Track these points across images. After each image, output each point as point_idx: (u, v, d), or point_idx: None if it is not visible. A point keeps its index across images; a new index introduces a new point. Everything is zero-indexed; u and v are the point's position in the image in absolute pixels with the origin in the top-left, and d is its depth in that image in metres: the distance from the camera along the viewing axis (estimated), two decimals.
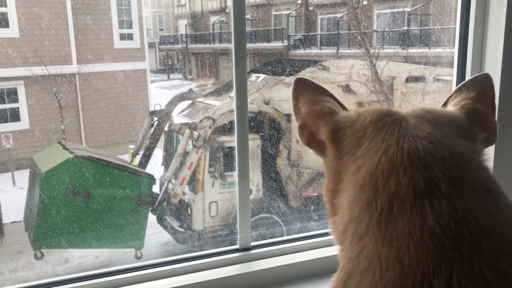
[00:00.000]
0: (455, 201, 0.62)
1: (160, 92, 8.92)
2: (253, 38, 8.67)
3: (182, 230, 6.05)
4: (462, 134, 0.73)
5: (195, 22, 10.18)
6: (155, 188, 5.79)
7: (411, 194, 0.63)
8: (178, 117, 6.42)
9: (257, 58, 8.44)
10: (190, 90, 6.96)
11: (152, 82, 8.54)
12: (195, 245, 5.98)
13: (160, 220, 6.13)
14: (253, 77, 6.69)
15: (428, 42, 7.60)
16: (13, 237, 5.66)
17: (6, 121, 6.60)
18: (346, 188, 0.72)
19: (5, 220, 5.63)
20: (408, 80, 6.74)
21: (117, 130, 7.37)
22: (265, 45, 8.66)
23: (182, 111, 6.51)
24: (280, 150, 6.34)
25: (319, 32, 8.76)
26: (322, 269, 1.60)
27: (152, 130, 6.04)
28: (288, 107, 6.11)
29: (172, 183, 5.83)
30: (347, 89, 6.45)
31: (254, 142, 6.11)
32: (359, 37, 7.13)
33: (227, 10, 9.52)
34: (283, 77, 6.76)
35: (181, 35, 10.40)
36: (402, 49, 7.49)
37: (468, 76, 1.75)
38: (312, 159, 6.31)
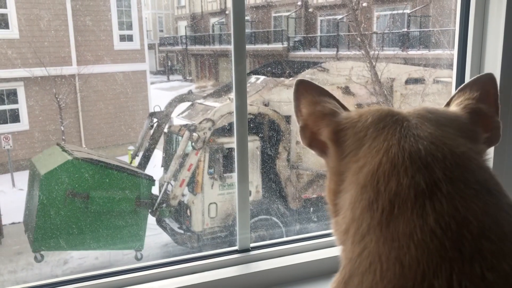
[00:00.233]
0: (456, 202, 0.62)
1: (159, 94, 8.93)
2: (252, 39, 8.69)
3: (182, 231, 6.05)
4: (464, 134, 0.73)
5: (195, 24, 10.19)
6: (155, 190, 5.79)
7: (412, 195, 0.63)
8: (177, 119, 6.43)
9: (256, 59, 8.45)
10: (190, 92, 6.97)
11: (152, 83, 8.55)
12: (194, 246, 5.98)
13: (160, 222, 6.13)
14: (252, 78, 6.70)
15: (428, 44, 7.61)
16: (12, 238, 5.66)
17: (5, 122, 6.60)
18: (348, 188, 0.72)
19: (4, 221, 5.63)
20: (408, 81, 6.75)
21: (116, 131, 7.38)
22: (264, 46, 8.67)
23: (182, 112, 6.51)
24: (280, 152, 6.34)
25: (318, 33, 8.77)
26: (322, 270, 1.60)
27: (151, 131, 6.04)
28: (287, 108, 6.11)
29: (171, 185, 5.83)
30: (346, 90, 6.46)
31: (254, 144, 6.11)
32: (358, 38, 7.14)
33: (227, 12, 9.53)
34: (282, 78, 6.77)
35: (181, 36, 10.42)
36: (402, 50, 7.50)
37: (467, 78, 1.75)
38: (311, 161, 6.31)
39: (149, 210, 5.59)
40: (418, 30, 7.81)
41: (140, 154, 6.03)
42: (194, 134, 5.81)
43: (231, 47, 1.52)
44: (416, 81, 6.77)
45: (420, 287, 0.57)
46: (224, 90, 6.76)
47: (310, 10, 8.93)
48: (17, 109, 6.55)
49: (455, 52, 1.81)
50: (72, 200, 4.94)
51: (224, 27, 9.56)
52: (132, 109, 7.62)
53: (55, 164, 5.03)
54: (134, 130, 7.31)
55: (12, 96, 6.63)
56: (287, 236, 1.72)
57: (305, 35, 8.86)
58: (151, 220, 5.75)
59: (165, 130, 6.22)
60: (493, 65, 1.67)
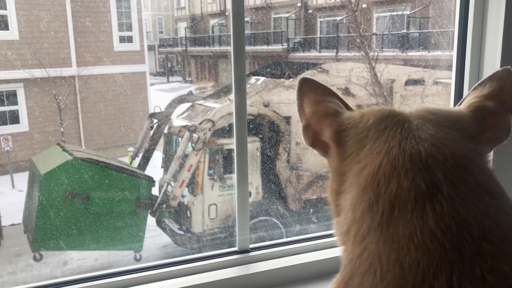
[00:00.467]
0: (456, 203, 0.62)
1: (159, 95, 8.94)
2: (252, 40, 8.69)
3: (181, 232, 6.05)
4: (466, 135, 0.72)
5: (194, 25, 10.20)
6: (155, 191, 5.79)
7: (412, 197, 0.63)
8: (177, 120, 6.43)
9: (256, 60, 8.46)
10: (190, 93, 6.96)
11: (152, 84, 8.56)
12: (194, 247, 5.97)
13: (159, 223, 6.13)
14: (252, 79, 6.71)
15: (427, 45, 7.62)
16: (12, 239, 5.65)
17: (5, 123, 6.60)
18: (349, 189, 0.72)
19: (4, 222, 5.62)
20: (407, 83, 6.75)
21: (116, 132, 7.38)
22: (264, 48, 8.68)
23: (182, 113, 6.52)
24: (280, 153, 6.34)
25: (318, 35, 8.78)
26: (321, 271, 1.60)
27: (151, 132, 6.04)
28: (287, 109, 6.12)
29: (171, 186, 5.83)
30: (346, 92, 6.45)
31: (254, 145, 6.11)
32: (358, 40, 7.15)
33: (226, 13, 9.54)
34: (282, 79, 6.77)
35: (181, 37, 10.43)
36: (402, 52, 7.50)
37: (467, 79, 1.76)
38: (311, 162, 6.32)
39: (149, 211, 5.58)
40: (418, 31, 7.82)
41: (140, 155, 6.04)
42: (194, 135, 5.81)
43: (230, 48, 1.52)
44: (416, 82, 6.77)
45: None
46: (224, 91, 6.77)
47: (310, 11, 8.94)
48: (17, 110, 6.55)
49: (454, 53, 1.81)
50: (71, 201, 4.94)
51: (223, 29, 9.57)
52: (131, 110, 7.62)
53: (55, 164, 5.03)
54: (133, 131, 7.31)
55: (11, 97, 6.63)
56: (287, 237, 1.72)
57: (304, 36, 8.86)
58: (151, 221, 5.75)
59: (165, 131, 6.22)
60: (492, 66, 1.67)
